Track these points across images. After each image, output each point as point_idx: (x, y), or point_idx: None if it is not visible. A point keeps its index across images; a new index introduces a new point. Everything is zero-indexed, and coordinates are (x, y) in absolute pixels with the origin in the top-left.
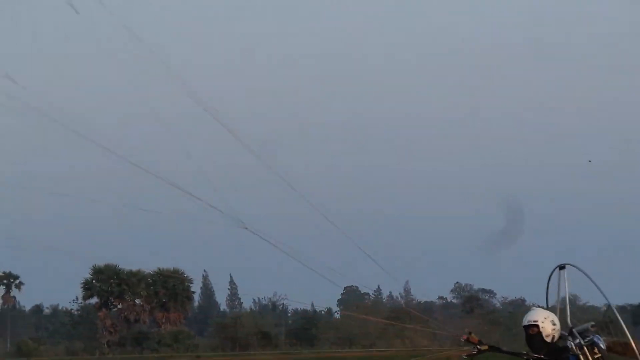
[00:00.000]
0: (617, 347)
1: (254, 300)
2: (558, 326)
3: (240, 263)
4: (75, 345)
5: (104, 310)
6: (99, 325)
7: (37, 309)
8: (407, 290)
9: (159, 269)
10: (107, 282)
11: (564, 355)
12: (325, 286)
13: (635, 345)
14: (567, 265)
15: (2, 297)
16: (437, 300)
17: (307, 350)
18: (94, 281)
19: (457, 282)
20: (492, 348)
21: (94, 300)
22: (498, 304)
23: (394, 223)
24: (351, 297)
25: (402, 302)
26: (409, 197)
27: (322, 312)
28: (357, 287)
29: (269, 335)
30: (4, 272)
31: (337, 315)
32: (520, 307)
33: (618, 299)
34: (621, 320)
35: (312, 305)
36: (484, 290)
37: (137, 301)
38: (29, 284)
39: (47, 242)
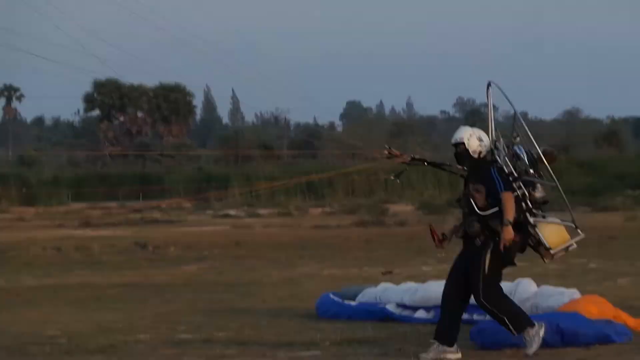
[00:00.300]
0: (542, 157)
1: (256, 114)
2: (485, 142)
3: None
4: (77, 155)
5: (105, 122)
6: (101, 137)
7: (39, 121)
8: (409, 104)
9: (161, 83)
10: (108, 96)
11: (487, 166)
12: (327, 100)
13: (545, 149)
14: (491, 82)
15: (3, 108)
16: (439, 115)
17: (309, 163)
18: (95, 94)
19: (459, 97)
20: (415, 160)
21: (96, 113)
22: (500, 118)
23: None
24: (353, 111)
25: (405, 116)
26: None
27: (324, 126)
28: (359, 101)
29: (271, 148)
30: (4, 85)
31: (339, 129)
32: (523, 120)
33: (622, 112)
34: (526, 128)
35: (314, 119)
36: (486, 105)
37: (140, 114)
38: (29, 97)
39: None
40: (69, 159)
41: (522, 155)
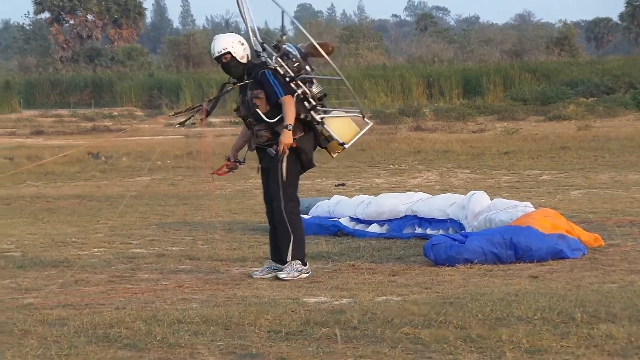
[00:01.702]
0: (311, 50)
1: (206, 18)
2: (247, 45)
3: None
4: (28, 60)
5: (55, 25)
6: (51, 41)
7: None
8: (360, 8)
9: None
10: None
11: (260, 69)
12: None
13: (318, 42)
14: None
15: None
16: (390, 19)
17: None
18: None
19: (410, 0)
20: (191, 109)
21: (46, 15)
22: (452, 22)
23: None
24: (304, 14)
25: (356, 20)
26: None
27: (276, 30)
28: (310, 5)
29: None
30: None
31: (290, 34)
32: (474, 24)
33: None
34: (298, 25)
35: (265, 23)
36: (437, 8)
37: (90, 17)
38: None
39: None
40: (20, 64)
41: (293, 52)
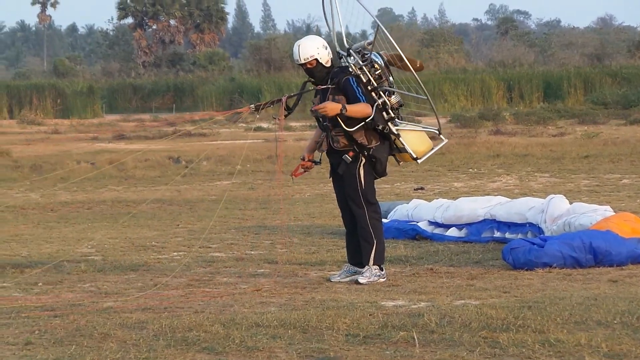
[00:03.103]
0: (395, 60)
1: (287, 22)
2: (330, 48)
3: None
4: (111, 65)
5: (138, 30)
6: (134, 46)
7: (73, 28)
8: (441, 12)
9: None
10: (141, 2)
11: (344, 75)
12: (357, 10)
13: (406, 57)
14: None
15: (38, 15)
16: (471, 22)
17: None
18: (128, 1)
19: (491, 4)
20: (290, 99)
21: (129, 20)
22: (533, 26)
23: None
24: (385, 19)
25: (437, 23)
26: None
27: (357, 34)
28: (391, 9)
29: None
30: None
31: (370, 37)
32: (556, 28)
33: None
34: (388, 35)
35: (346, 27)
36: (518, 12)
37: (172, 22)
38: (64, 3)
39: None
40: (103, 69)
41: (378, 62)
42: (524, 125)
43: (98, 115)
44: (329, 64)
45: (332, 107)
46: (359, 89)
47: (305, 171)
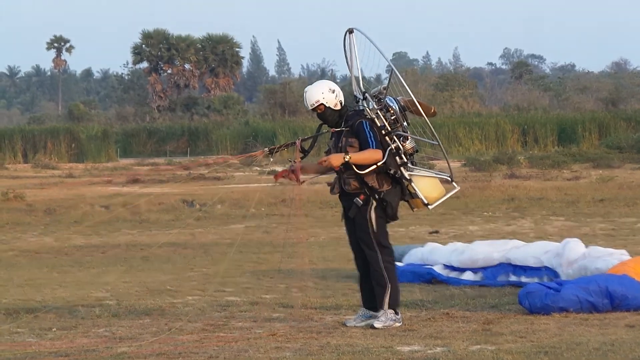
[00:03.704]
0: (409, 105)
1: (302, 66)
2: (338, 91)
3: (288, 29)
4: (126, 110)
5: (153, 75)
6: (149, 90)
7: (88, 73)
8: (455, 56)
9: (208, 34)
10: (156, 47)
11: (358, 118)
12: (372, 53)
13: (421, 102)
14: (354, 30)
15: (53, 60)
16: (486, 66)
17: None
18: (143, 45)
19: (505, 48)
20: (305, 141)
21: (144, 65)
22: (548, 70)
23: None
24: (399, 63)
25: (451, 68)
26: None
27: (372, 78)
28: (405, 52)
29: None
30: (54, 36)
31: (385, 82)
32: (570, 72)
33: None
34: (402, 79)
35: (361, 70)
36: (533, 56)
37: (187, 66)
38: (79, 48)
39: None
40: (118, 113)
41: (393, 107)
42: (538, 169)
43: (112, 160)
44: (338, 107)
45: (335, 158)
46: (371, 133)
47: (289, 178)
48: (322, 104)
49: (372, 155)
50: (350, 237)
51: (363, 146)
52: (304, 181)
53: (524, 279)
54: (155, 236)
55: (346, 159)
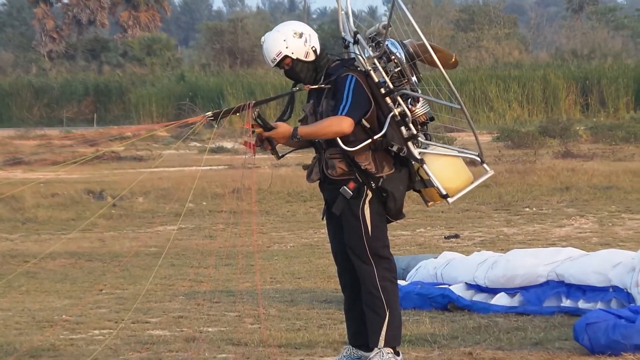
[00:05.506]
0: (420, 52)
1: None
2: (308, 33)
3: None
4: (3, 57)
5: (42, 5)
6: (36, 28)
7: None
8: None
9: None
10: None
11: (345, 71)
12: None
13: (435, 47)
14: None
15: None
16: None
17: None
18: None
19: None
20: (256, 105)
21: None
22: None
23: None
24: None
25: None
26: None
27: (363, 13)
28: None
29: None
30: None
31: (383, 18)
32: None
33: None
34: (411, 17)
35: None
36: None
37: None
38: None
39: None
40: None
41: (397, 54)
42: (605, 144)
43: None
44: (310, 57)
45: (283, 130)
46: (351, 92)
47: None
48: (286, 55)
49: (331, 127)
50: (333, 244)
51: (334, 111)
52: (282, 156)
53: (582, 305)
54: (45, 242)
55: (295, 134)
